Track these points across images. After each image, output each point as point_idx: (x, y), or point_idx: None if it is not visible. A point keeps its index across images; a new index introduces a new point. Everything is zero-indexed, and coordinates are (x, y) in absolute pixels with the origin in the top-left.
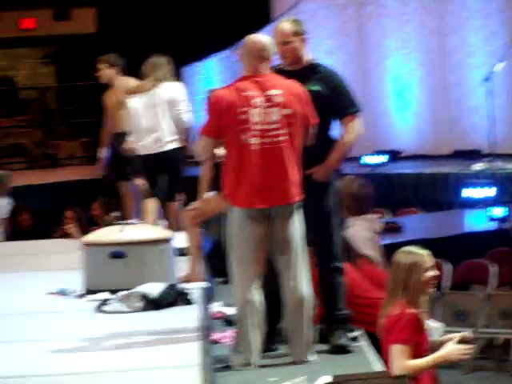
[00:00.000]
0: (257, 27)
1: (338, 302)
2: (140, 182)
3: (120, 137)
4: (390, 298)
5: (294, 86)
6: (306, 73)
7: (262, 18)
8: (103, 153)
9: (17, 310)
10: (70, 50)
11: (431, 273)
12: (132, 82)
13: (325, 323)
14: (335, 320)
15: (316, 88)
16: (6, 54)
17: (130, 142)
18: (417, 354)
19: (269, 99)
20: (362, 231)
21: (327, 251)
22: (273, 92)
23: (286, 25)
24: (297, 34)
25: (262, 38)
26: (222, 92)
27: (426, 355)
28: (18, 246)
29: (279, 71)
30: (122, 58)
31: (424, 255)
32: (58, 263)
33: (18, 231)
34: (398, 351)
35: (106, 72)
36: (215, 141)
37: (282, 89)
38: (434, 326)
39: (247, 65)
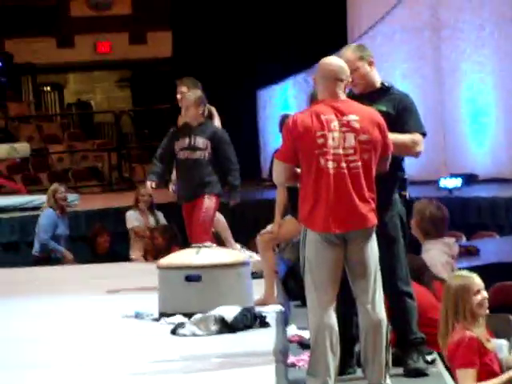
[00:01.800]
0: (333, 50)
1: (411, 325)
2: None
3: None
4: (445, 324)
5: (373, 113)
6: (376, 94)
7: (338, 41)
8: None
9: (93, 333)
10: (145, 73)
11: (480, 296)
12: (208, 107)
13: (399, 347)
14: (410, 343)
15: (384, 109)
16: (83, 77)
17: None
18: (487, 376)
19: (345, 124)
20: (439, 255)
21: (394, 276)
22: (350, 117)
23: (349, 52)
24: (362, 58)
25: (338, 60)
26: (299, 116)
27: (499, 375)
28: (95, 269)
29: (349, 95)
30: (199, 83)
31: (472, 278)
32: (135, 286)
33: (96, 254)
34: (464, 376)
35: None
36: (291, 165)
37: (360, 115)
38: (498, 343)
39: (323, 88)
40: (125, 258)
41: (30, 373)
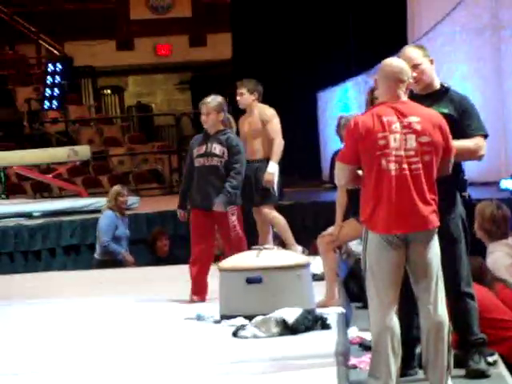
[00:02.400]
0: (394, 51)
1: (472, 326)
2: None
3: (253, 164)
4: None
5: (434, 115)
6: (437, 96)
7: (399, 42)
8: None
9: (155, 335)
10: (205, 76)
11: None
12: (268, 109)
13: (460, 348)
14: (471, 345)
15: (446, 111)
16: (143, 80)
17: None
18: None
19: (407, 126)
20: (503, 258)
21: (455, 277)
22: (411, 119)
23: (411, 49)
24: (424, 55)
25: (399, 61)
26: (361, 118)
27: None
28: (156, 272)
29: (411, 96)
30: (260, 85)
31: None
32: None
33: (156, 257)
34: None
35: (246, 97)
36: (352, 167)
37: (421, 116)
38: None
39: (385, 89)
40: (185, 260)
41: (97, 372)
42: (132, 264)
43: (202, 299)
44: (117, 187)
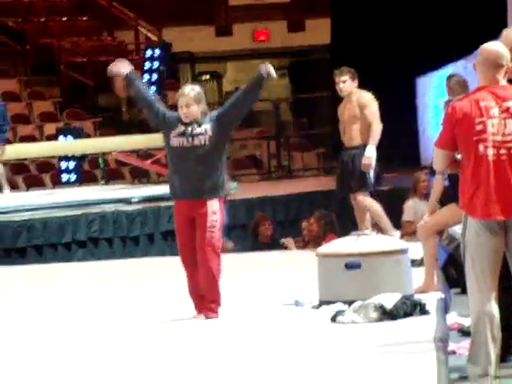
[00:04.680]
0: (493, 36)
1: None
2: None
3: (350, 150)
4: None
5: None
6: None
7: (498, 27)
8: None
9: (253, 320)
10: (304, 61)
11: None
12: (366, 94)
13: None
14: None
15: None
16: (241, 65)
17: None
18: None
19: (505, 110)
20: None
21: None
22: (510, 103)
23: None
24: None
25: (498, 46)
26: (458, 103)
27: None
28: (255, 257)
29: (510, 81)
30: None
31: None
32: (295, 274)
33: (257, 242)
34: None
35: (349, 84)
36: (450, 152)
37: None
38: None
39: (483, 74)
40: (281, 246)
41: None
42: (230, 250)
43: None
44: None
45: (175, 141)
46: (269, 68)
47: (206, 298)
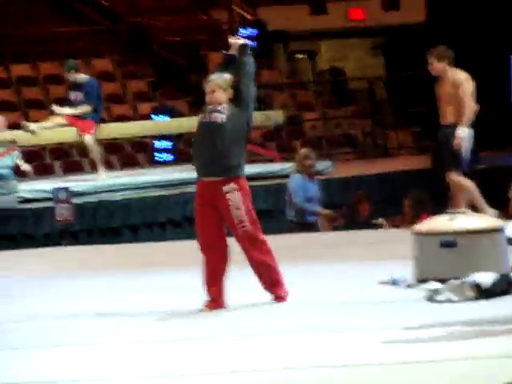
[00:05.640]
0: None
1: None
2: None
3: (445, 129)
4: None
5: None
6: None
7: None
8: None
9: (348, 298)
10: (398, 40)
11: None
12: (461, 73)
13: None
14: None
15: None
16: (336, 44)
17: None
18: None
19: None
20: None
21: None
22: None
23: None
24: None
25: None
26: None
27: None
28: (351, 236)
29: None
30: (450, 50)
31: None
32: (391, 253)
33: (356, 221)
34: None
35: (436, 65)
36: None
37: None
38: None
39: None
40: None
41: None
42: (329, 221)
43: None
44: (303, 150)
45: (200, 117)
46: (234, 45)
47: (273, 288)
